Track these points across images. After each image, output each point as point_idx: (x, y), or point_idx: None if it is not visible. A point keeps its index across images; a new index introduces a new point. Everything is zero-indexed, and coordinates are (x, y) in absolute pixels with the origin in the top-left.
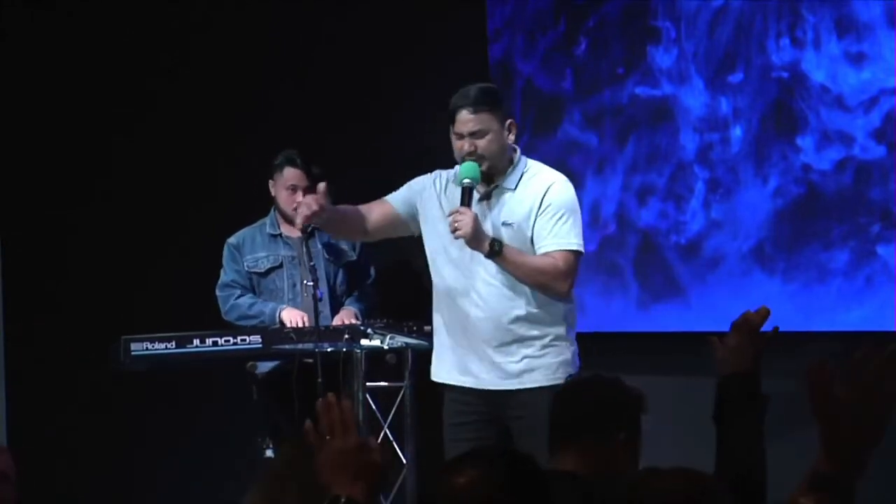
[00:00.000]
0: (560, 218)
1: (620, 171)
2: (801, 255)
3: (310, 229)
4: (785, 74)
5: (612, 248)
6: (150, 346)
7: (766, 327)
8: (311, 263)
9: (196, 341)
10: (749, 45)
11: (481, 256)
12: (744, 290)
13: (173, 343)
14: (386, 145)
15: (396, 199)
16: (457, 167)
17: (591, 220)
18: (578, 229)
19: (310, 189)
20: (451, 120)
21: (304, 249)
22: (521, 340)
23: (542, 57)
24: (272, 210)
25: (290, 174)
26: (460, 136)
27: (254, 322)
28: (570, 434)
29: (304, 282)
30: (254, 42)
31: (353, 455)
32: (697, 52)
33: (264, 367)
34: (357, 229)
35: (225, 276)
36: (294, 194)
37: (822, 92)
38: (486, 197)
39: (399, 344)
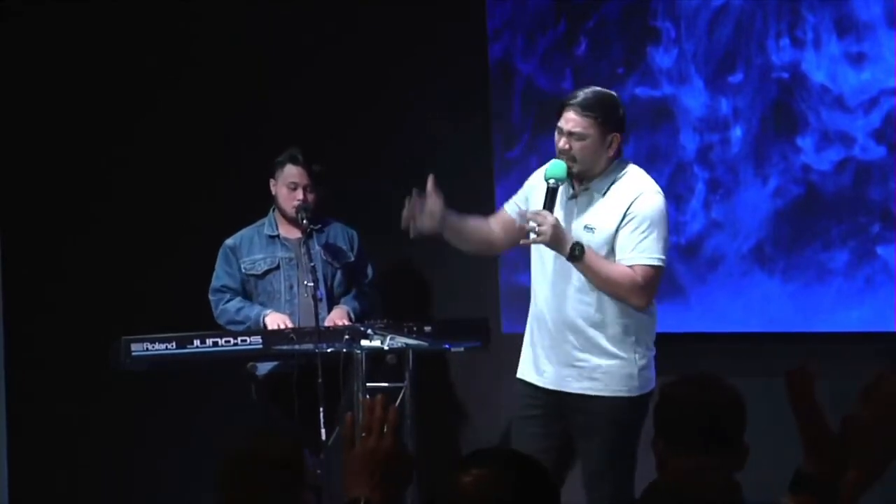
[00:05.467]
0: (643, 230)
1: None
2: (800, 255)
3: (310, 230)
4: (785, 75)
5: None
6: (150, 347)
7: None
8: (311, 264)
9: (196, 342)
10: (749, 45)
11: (563, 259)
12: (744, 291)
13: (173, 343)
14: (386, 145)
15: (511, 205)
16: (550, 162)
17: None
18: (662, 242)
19: (310, 187)
20: (558, 113)
21: (304, 250)
22: (588, 349)
23: (542, 57)
24: (271, 211)
25: (291, 171)
26: (560, 132)
27: (242, 327)
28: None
29: (304, 283)
30: (255, 42)
31: (384, 459)
32: (697, 52)
33: (264, 367)
34: (481, 239)
35: (216, 280)
36: (294, 192)
37: (823, 92)
38: (574, 197)
39: (399, 344)
